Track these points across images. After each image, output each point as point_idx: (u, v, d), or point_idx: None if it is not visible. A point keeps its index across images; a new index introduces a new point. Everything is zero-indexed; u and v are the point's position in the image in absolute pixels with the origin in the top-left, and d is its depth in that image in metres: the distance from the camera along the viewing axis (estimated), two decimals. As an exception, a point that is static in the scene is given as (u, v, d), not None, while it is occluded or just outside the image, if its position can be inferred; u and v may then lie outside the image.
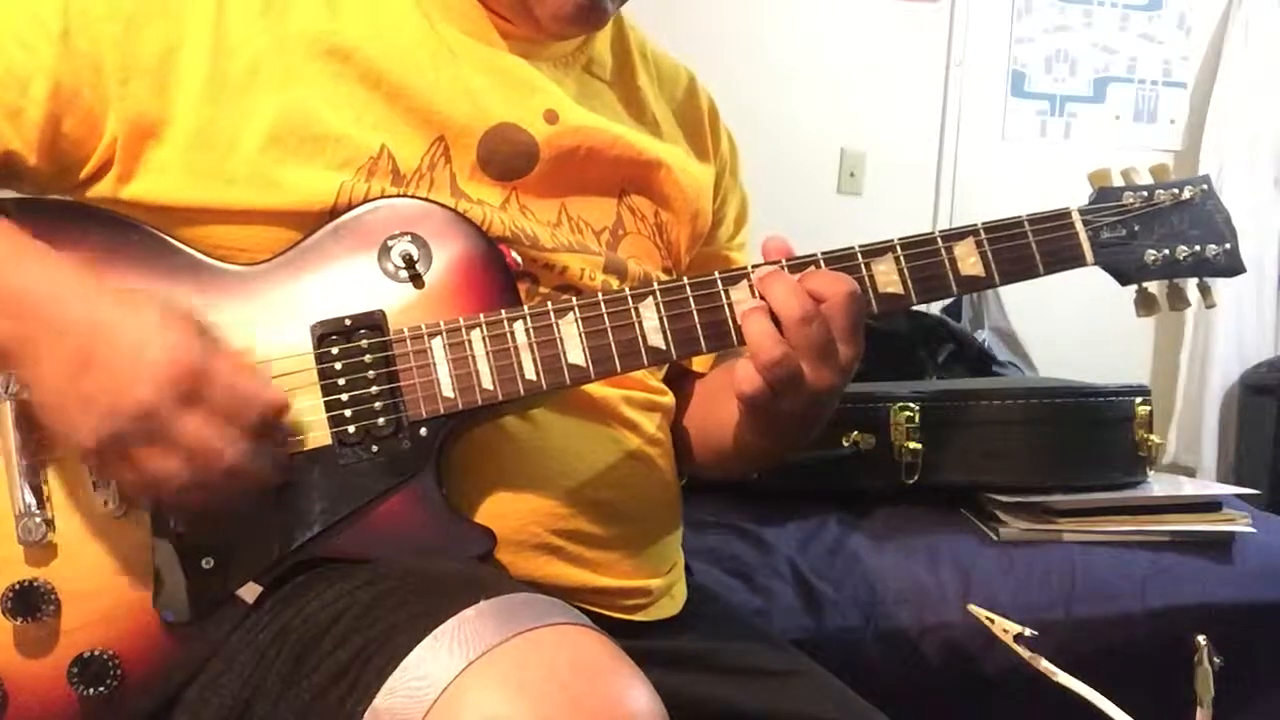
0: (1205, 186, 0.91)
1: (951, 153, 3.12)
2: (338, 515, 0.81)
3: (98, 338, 0.73)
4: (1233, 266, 0.91)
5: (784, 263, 0.85)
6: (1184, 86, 3.19)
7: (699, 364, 1.08)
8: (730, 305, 0.85)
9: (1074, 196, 0.92)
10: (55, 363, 0.74)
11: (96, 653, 0.79)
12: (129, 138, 0.84)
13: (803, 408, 0.84)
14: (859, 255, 0.86)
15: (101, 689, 0.78)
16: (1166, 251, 0.90)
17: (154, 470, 0.74)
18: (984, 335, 2.69)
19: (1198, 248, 0.90)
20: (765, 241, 0.88)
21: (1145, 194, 0.90)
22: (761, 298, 0.83)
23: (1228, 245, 0.90)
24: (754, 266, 0.86)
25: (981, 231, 0.88)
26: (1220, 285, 0.94)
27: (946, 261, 0.87)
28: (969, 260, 0.87)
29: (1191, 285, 0.92)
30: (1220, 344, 3.05)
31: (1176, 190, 0.90)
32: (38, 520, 0.79)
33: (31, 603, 0.78)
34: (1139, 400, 1.73)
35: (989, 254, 0.87)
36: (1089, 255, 0.89)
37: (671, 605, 1.01)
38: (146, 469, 0.74)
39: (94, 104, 0.83)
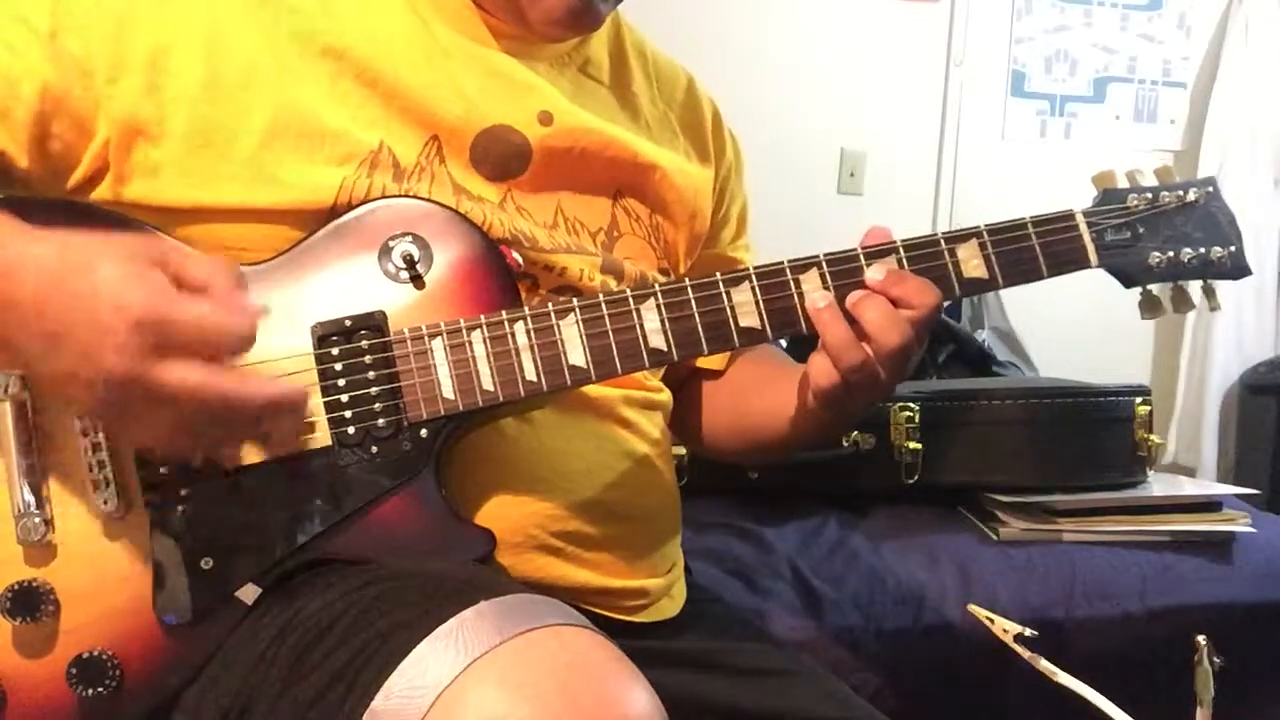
0: (1210, 189, 0.90)
1: (951, 153, 3.12)
2: (337, 516, 0.81)
3: (50, 310, 0.70)
4: (1238, 269, 0.90)
5: (860, 249, 0.86)
6: (1184, 86, 3.19)
7: (713, 359, 1.07)
8: (732, 307, 0.85)
9: (1074, 197, 0.92)
10: (25, 341, 0.72)
11: (95, 653, 0.79)
12: (120, 138, 0.83)
13: (876, 396, 0.87)
14: (861, 257, 0.86)
15: (100, 689, 0.78)
16: (1171, 254, 0.89)
17: (158, 421, 0.72)
18: (984, 335, 2.69)
19: (1202, 250, 0.89)
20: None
21: (1150, 196, 0.89)
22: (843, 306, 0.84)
23: (1233, 247, 0.89)
24: (756, 268, 0.86)
25: (985, 234, 0.87)
26: (1222, 285, 0.94)
27: (950, 264, 0.87)
28: (972, 262, 0.87)
29: (1196, 287, 0.92)
30: (1220, 344, 3.05)
31: (1181, 192, 0.90)
32: (37, 520, 0.79)
33: (31, 603, 0.78)
34: (1139, 400, 1.73)
35: (992, 256, 0.87)
36: (1093, 258, 0.88)
37: (671, 605, 1.01)
38: (148, 423, 0.72)
39: (83, 105, 0.83)
